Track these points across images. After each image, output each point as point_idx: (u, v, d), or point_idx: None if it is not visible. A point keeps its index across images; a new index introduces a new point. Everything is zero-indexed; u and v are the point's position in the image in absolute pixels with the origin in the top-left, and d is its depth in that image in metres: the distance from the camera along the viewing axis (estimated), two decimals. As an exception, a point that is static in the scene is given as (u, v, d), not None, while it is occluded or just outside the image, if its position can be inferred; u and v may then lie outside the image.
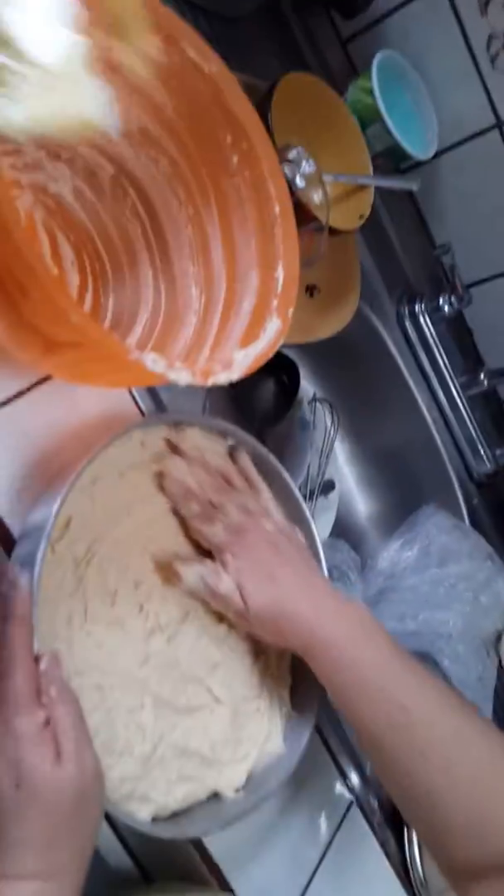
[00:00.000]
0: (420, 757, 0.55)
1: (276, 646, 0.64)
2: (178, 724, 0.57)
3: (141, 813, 0.54)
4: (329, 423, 1.02)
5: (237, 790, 0.60)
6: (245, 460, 0.67)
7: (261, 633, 0.61)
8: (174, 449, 0.63)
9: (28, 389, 0.55)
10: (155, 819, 0.56)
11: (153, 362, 0.46)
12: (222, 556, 0.60)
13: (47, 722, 0.46)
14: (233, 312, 0.59)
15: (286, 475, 0.70)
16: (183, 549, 0.63)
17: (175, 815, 0.58)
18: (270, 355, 0.54)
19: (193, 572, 0.59)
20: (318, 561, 0.70)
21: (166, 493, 0.62)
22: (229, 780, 0.60)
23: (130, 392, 0.64)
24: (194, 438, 0.64)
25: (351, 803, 0.81)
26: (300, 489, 0.98)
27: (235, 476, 0.66)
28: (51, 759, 0.44)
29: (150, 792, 0.55)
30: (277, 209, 0.59)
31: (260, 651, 0.66)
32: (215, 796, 0.60)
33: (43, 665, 0.47)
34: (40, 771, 0.44)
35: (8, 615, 0.47)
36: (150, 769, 0.55)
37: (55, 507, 0.49)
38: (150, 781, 0.55)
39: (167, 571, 0.60)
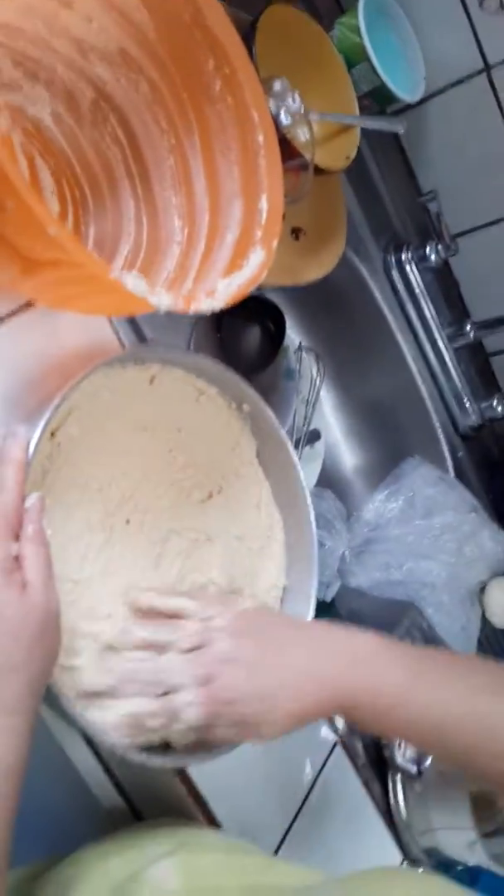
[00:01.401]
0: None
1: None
2: None
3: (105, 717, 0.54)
4: (315, 373, 1.01)
5: (187, 744, 0.58)
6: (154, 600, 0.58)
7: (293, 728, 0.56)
8: None
9: (9, 316, 0.54)
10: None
11: (134, 282, 0.45)
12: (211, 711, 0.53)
13: (18, 558, 0.47)
14: (216, 244, 0.58)
15: (272, 416, 0.70)
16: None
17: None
18: (254, 286, 0.54)
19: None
20: (308, 519, 0.70)
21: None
22: (183, 733, 0.57)
23: (113, 327, 0.64)
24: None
25: (335, 745, 0.81)
26: (285, 438, 0.98)
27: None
28: (17, 587, 0.45)
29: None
30: (261, 138, 0.58)
31: None
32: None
33: (29, 502, 0.48)
34: (6, 594, 0.45)
35: (4, 459, 0.48)
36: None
37: (60, 396, 0.51)
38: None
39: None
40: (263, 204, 0.57)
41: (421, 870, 0.86)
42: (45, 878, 0.57)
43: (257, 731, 0.54)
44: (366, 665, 0.55)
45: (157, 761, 0.57)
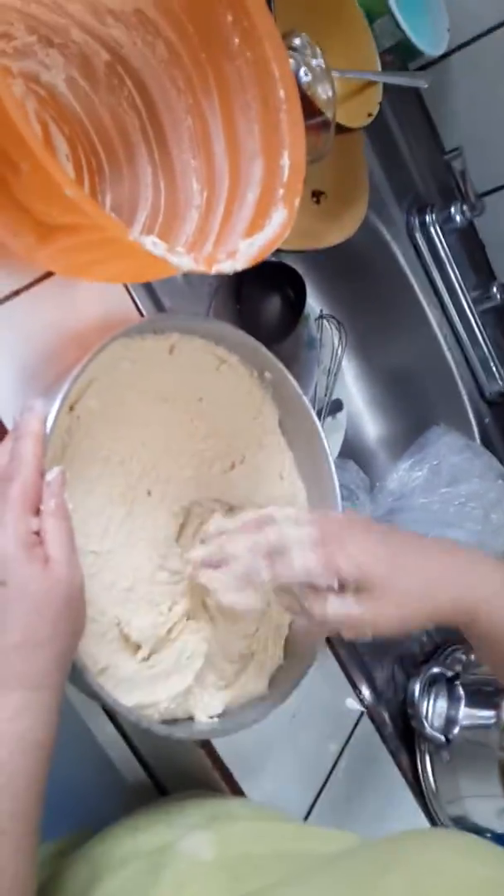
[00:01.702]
0: None
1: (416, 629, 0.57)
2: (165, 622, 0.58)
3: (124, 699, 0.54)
4: (336, 341, 0.99)
5: (211, 717, 0.60)
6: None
7: (404, 627, 0.54)
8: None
9: (26, 288, 0.53)
10: None
11: (153, 244, 0.43)
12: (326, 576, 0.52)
13: (38, 533, 0.46)
14: (236, 206, 0.56)
15: (295, 383, 0.68)
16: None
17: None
18: (277, 245, 0.52)
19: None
20: (332, 489, 0.69)
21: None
22: (206, 706, 0.59)
23: (133, 298, 0.62)
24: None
25: (362, 714, 0.81)
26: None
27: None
28: (40, 562, 0.44)
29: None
30: (282, 93, 0.55)
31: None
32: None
33: (50, 476, 0.47)
34: (29, 569, 0.44)
35: (22, 433, 0.47)
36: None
37: (79, 367, 0.49)
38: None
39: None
40: (285, 161, 0.55)
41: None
42: (73, 856, 0.57)
43: (375, 614, 0.52)
44: (493, 578, 0.54)
45: (182, 733, 0.57)
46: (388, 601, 0.52)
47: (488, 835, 0.88)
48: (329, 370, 1.01)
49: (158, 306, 0.66)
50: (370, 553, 0.53)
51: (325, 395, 1.01)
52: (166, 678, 0.56)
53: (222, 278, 0.75)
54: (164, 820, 0.59)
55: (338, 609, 0.52)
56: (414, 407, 1.08)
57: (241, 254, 0.49)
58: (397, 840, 0.45)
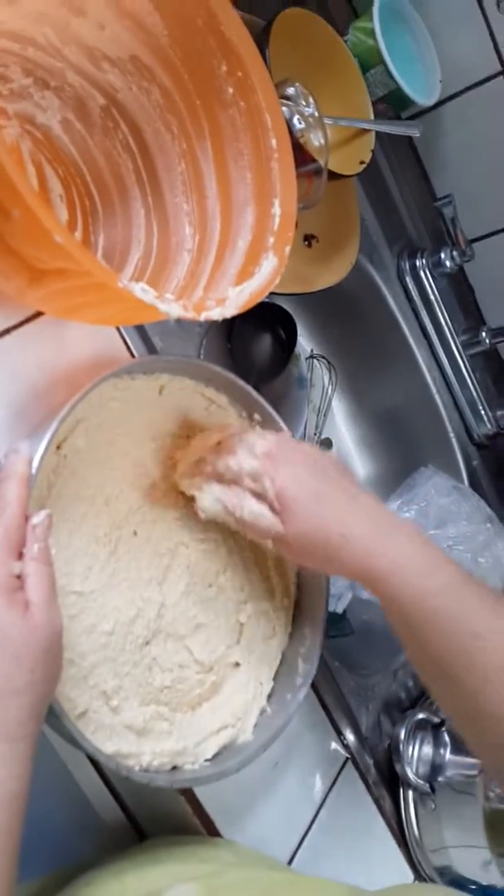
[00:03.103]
0: (484, 681, 0.52)
1: (322, 572, 0.60)
2: (145, 661, 0.57)
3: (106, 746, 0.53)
4: (327, 381, 1.00)
5: (194, 762, 0.59)
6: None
7: (305, 560, 0.57)
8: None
9: (16, 327, 0.53)
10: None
11: (142, 291, 0.43)
12: (260, 481, 0.55)
13: (20, 577, 0.45)
14: (228, 251, 0.57)
15: (283, 426, 0.68)
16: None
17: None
18: (266, 293, 0.52)
19: (209, 496, 0.57)
20: None
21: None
22: (194, 754, 0.59)
23: (123, 338, 0.62)
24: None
25: (346, 761, 0.80)
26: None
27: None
28: (20, 607, 0.44)
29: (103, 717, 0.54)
30: (274, 142, 0.56)
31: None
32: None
33: (36, 519, 0.46)
34: (9, 615, 0.43)
35: (6, 475, 0.47)
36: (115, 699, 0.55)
37: (67, 407, 0.50)
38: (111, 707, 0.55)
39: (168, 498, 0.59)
40: (276, 209, 0.56)
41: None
42: None
43: (280, 530, 0.55)
44: (410, 547, 0.54)
45: (162, 781, 0.56)
46: (292, 526, 0.54)
47: (472, 886, 0.86)
48: (319, 409, 1.02)
49: (149, 346, 0.66)
50: (297, 479, 0.55)
51: (315, 433, 1.01)
52: (154, 736, 0.56)
53: (213, 319, 0.76)
54: (152, 865, 0.57)
55: (252, 510, 0.55)
56: (402, 448, 1.09)
57: (231, 301, 0.49)
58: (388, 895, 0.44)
